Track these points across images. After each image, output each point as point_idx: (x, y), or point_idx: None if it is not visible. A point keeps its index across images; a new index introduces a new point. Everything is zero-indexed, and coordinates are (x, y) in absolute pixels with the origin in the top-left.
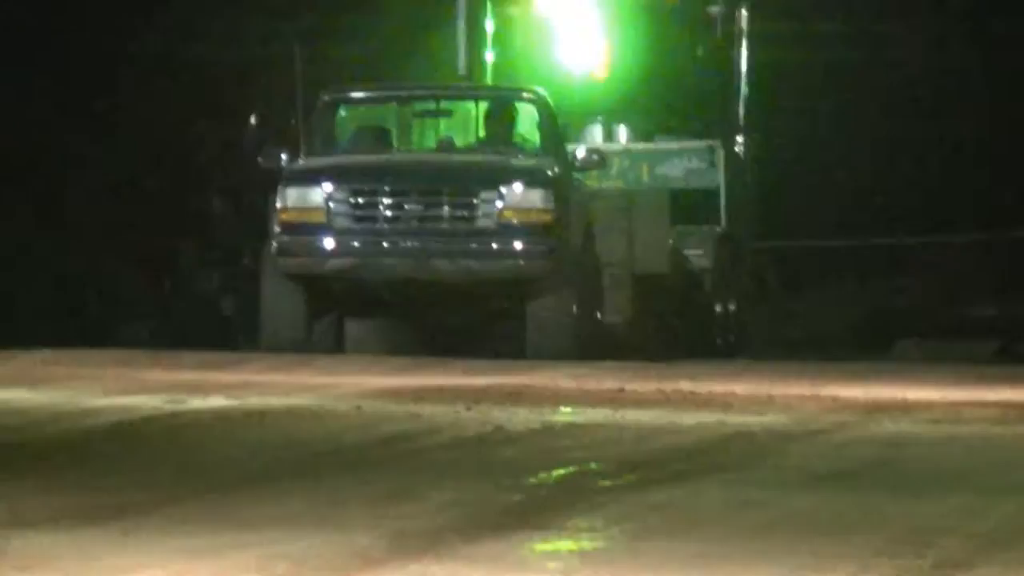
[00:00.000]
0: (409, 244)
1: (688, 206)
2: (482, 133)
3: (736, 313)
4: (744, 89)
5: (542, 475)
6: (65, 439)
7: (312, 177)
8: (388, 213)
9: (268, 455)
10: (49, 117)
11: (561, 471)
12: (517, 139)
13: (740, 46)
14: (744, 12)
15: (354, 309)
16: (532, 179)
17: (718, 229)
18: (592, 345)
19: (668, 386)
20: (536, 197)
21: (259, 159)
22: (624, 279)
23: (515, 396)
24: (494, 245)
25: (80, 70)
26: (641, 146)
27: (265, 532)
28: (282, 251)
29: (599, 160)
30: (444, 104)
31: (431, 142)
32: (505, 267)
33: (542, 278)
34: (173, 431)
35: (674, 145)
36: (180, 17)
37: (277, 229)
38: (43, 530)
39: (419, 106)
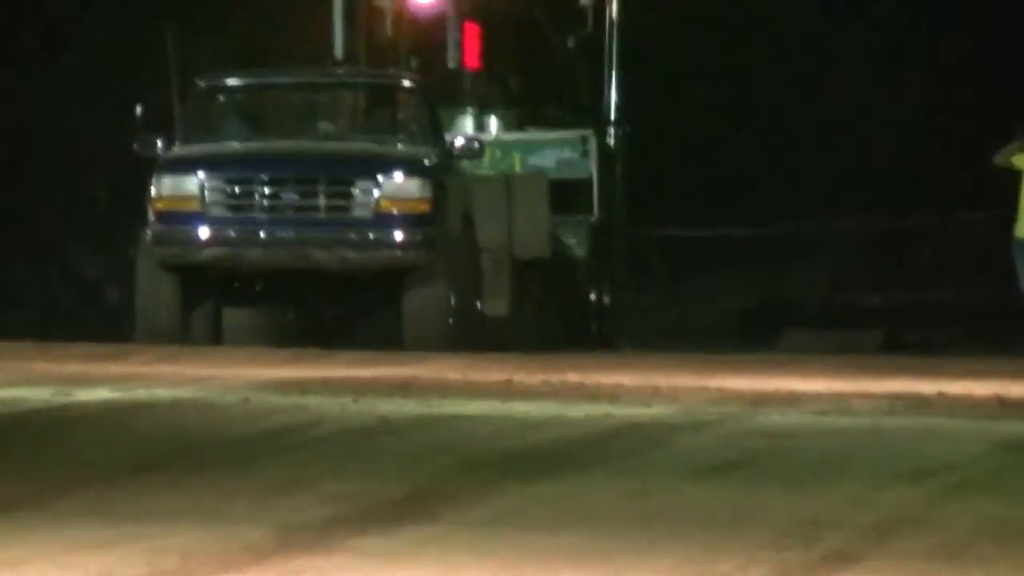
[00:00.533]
0: (285, 233)
1: (561, 196)
2: (360, 120)
3: (611, 303)
4: (615, 79)
5: (429, 467)
6: None
7: (186, 165)
8: (263, 202)
9: (155, 447)
10: None
11: (448, 463)
12: (395, 127)
13: (612, 36)
14: (615, 2)
15: (231, 299)
16: (408, 167)
17: (591, 219)
18: (471, 335)
19: (555, 377)
20: (412, 186)
21: (134, 146)
22: (504, 264)
23: (402, 388)
24: (370, 234)
25: None
26: (513, 136)
27: (153, 525)
28: (157, 240)
29: (478, 148)
30: (321, 91)
31: (309, 130)
32: (381, 257)
33: (418, 268)
34: (61, 423)
35: (547, 135)
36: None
37: (152, 218)
38: None
39: (296, 93)
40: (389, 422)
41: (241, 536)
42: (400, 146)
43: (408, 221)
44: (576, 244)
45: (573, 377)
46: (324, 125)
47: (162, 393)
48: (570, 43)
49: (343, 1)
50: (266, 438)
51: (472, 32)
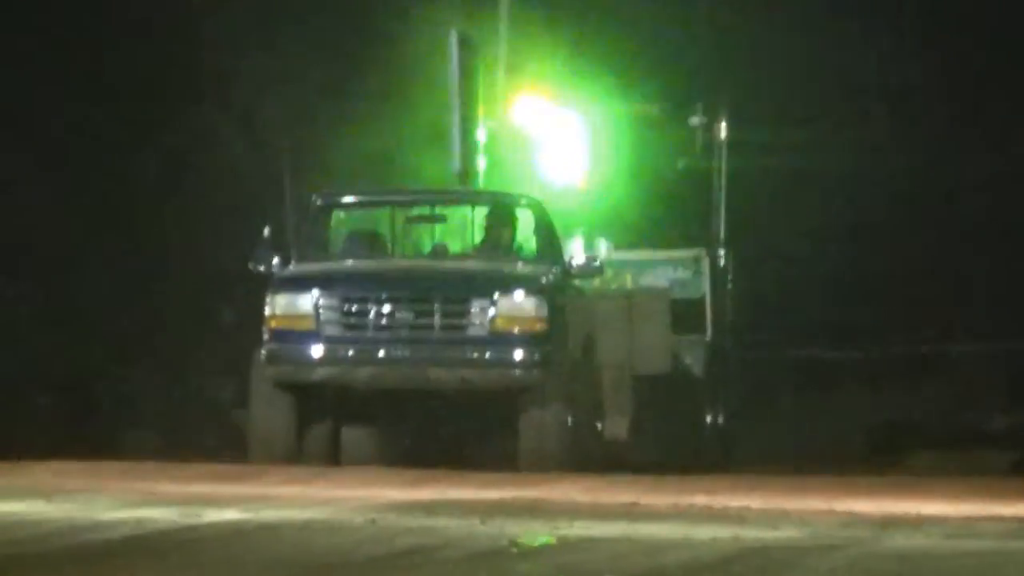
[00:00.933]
0: (400, 352)
1: (674, 316)
2: (477, 239)
3: (726, 423)
4: (723, 199)
5: None
6: (81, 553)
7: (301, 283)
8: (379, 320)
9: (284, 570)
10: (52, 207)
11: None
12: (513, 245)
13: (720, 157)
14: (724, 123)
15: (346, 418)
16: (525, 287)
17: (707, 338)
18: (590, 456)
19: (683, 500)
20: (529, 305)
21: (250, 264)
22: (625, 381)
23: (530, 509)
24: (487, 354)
25: (93, 181)
26: (626, 255)
27: None
28: (271, 358)
29: (597, 267)
30: (439, 209)
31: (426, 247)
32: (497, 376)
33: (535, 387)
34: (189, 545)
35: (660, 255)
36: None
37: (266, 336)
38: None
39: (413, 211)
40: (517, 543)
41: None
42: (517, 264)
43: (524, 340)
44: (692, 364)
45: (700, 499)
46: (440, 243)
47: (290, 514)
48: (679, 164)
49: (460, 123)
50: (393, 559)
51: (581, 153)
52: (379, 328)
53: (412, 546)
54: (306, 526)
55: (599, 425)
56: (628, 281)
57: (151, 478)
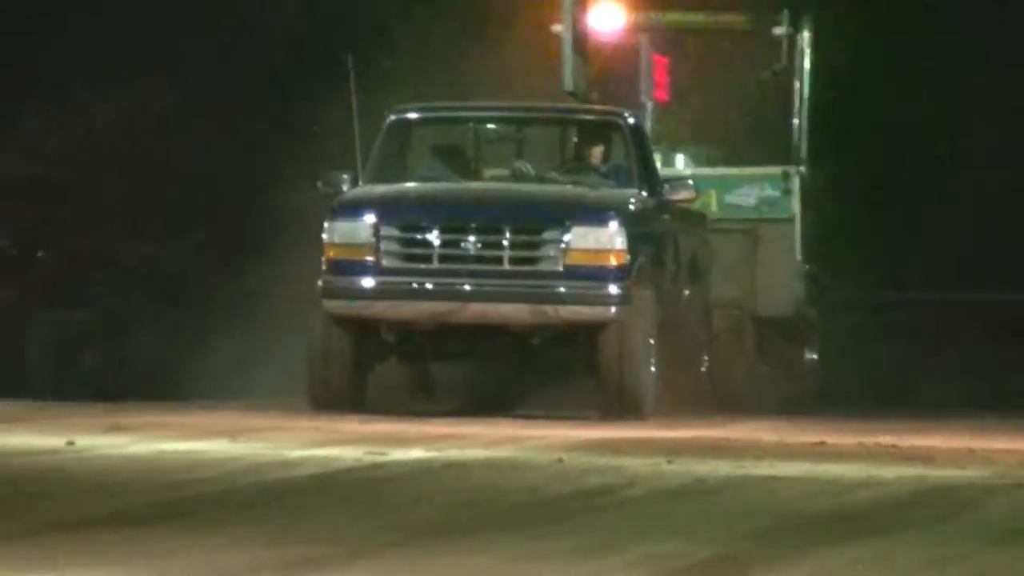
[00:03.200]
0: (464, 286)
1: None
2: (565, 159)
3: (818, 363)
4: (806, 117)
5: (742, 529)
6: (265, 491)
7: (359, 208)
8: (442, 251)
9: (468, 508)
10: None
11: (761, 524)
12: (603, 167)
13: (801, 71)
14: (806, 34)
15: (408, 357)
16: (604, 214)
17: (806, 266)
18: (685, 400)
19: (868, 439)
20: (605, 236)
21: (319, 184)
22: (744, 321)
23: (715, 449)
24: (559, 288)
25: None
26: (709, 171)
27: None
28: (327, 291)
29: (690, 193)
30: (524, 127)
31: (506, 170)
32: (571, 313)
33: (613, 325)
34: (374, 484)
35: (746, 171)
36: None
37: (323, 267)
38: None
39: (495, 128)
40: (703, 483)
41: None
42: (602, 190)
43: (601, 273)
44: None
45: (886, 439)
46: (521, 165)
47: (476, 453)
48: (763, 76)
49: (572, 29)
50: (579, 498)
51: (660, 65)
52: (443, 259)
53: (600, 485)
54: (492, 464)
55: (703, 368)
56: (713, 201)
57: (338, 418)
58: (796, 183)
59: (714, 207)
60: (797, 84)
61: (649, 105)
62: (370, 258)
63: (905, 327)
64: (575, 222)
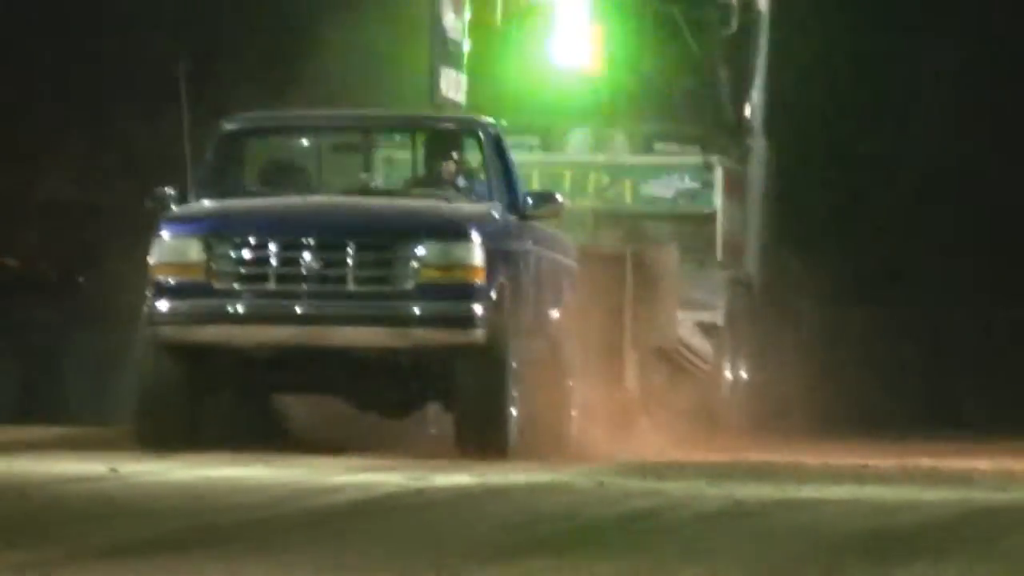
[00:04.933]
0: (305, 308)
1: (681, 236)
2: (415, 173)
3: (748, 384)
4: (762, 84)
5: (783, 550)
6: (310, 516)
7: (190, 224)
8: (282, 269)
9: (510, 533)
10: None
11: (803, 546)
12: (457, 180)
13: (758, 36)
14: None
15: (246, 388)
16: (460, 227)
17: (721, 268)
18: (550, 441)
19: (910, 462)
20: (462, 251)
21: (145, 201)
22: (618, 352)
23: (757, 472)
24: (411, 310)
25: None
26: (626, 160)
27: None
28: (154, 316)
29: (555, 208)
30: (371, 136)
31: (350, 183)
32: (421, 337)
33: (468, 351)
34: (417, 508)
35: (664, 159)
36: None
37: (150, 289)
38: None
39: (338, 138)
40: (744, 505)
41: None
42: (455, 202)
43: (456, 293)
44: (704, 301)
45: (927, 462)
46: (368, 177)
47: (517, 478)
48: (710, 45)
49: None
50: (623, 521)
51: (595, 34)
52: (281, 280)
53: (641, 508)
54: (533, 489)
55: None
56: (627, 192)
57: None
58: (719, 174)
59: (628, 198)
60: (752, 53)
61: (575, 76)
62: (200, 279)
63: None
64: (429, 236)
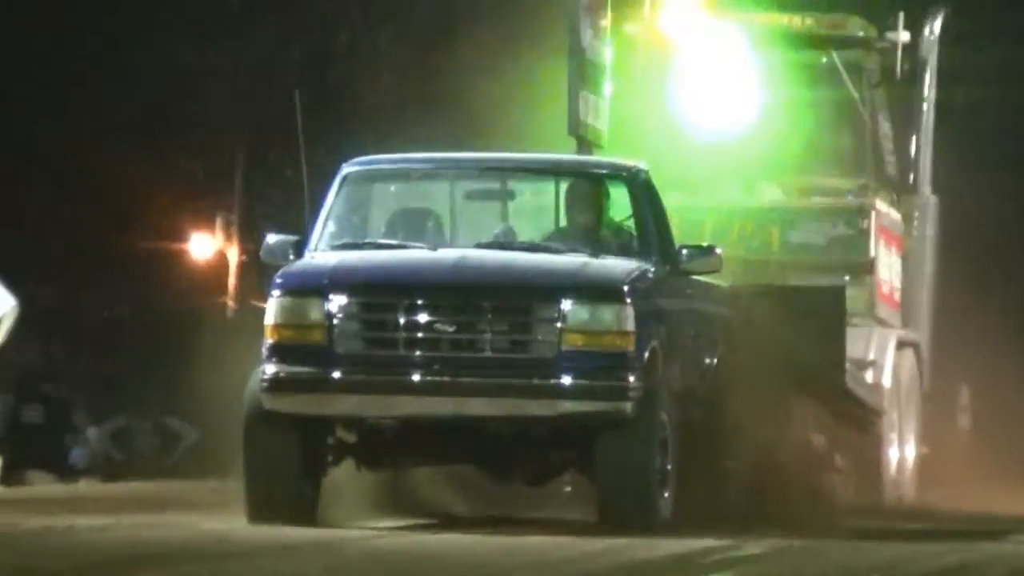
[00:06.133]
0: (437, 377)
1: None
2: (557, 223)
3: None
4: (929, 137)
5: None
6: None
7: (309, 281)
8: (409, 334)
9: None
10: None
11: None
12: (605, 232)
13: (923, 82)
14: (933, 33)
15: (370, 461)
16: (607, 287)
17: (890, 331)
18: (707, 504)
19: None
20: (609, 315)
21: (261, 254)
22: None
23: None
24: (552, 380)
25: None
26: (771, 205)
27: None
28: (271, 384)
29: (714, 262)
30: (510, 181)
31: (489, 233)
32: (566, 409)
33: (615, 424)
34: None
35: (814, 203)
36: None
37: (265, 352)
38: None
39: (471, 184)
40: None
41: None
42: (608, 259)
43: (602, 362)
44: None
45: None
46: (505, 228)
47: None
48: (869, 94)
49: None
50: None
51: (743, 86)
52: (410, 345)
53: (956, 563)
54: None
55: (729, 465)
56: (775, 240)
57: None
58: (874, 219)
59: (775, 246)
60: (920, 96)
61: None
62: (322, 342)
63: None
64: (573, 297)
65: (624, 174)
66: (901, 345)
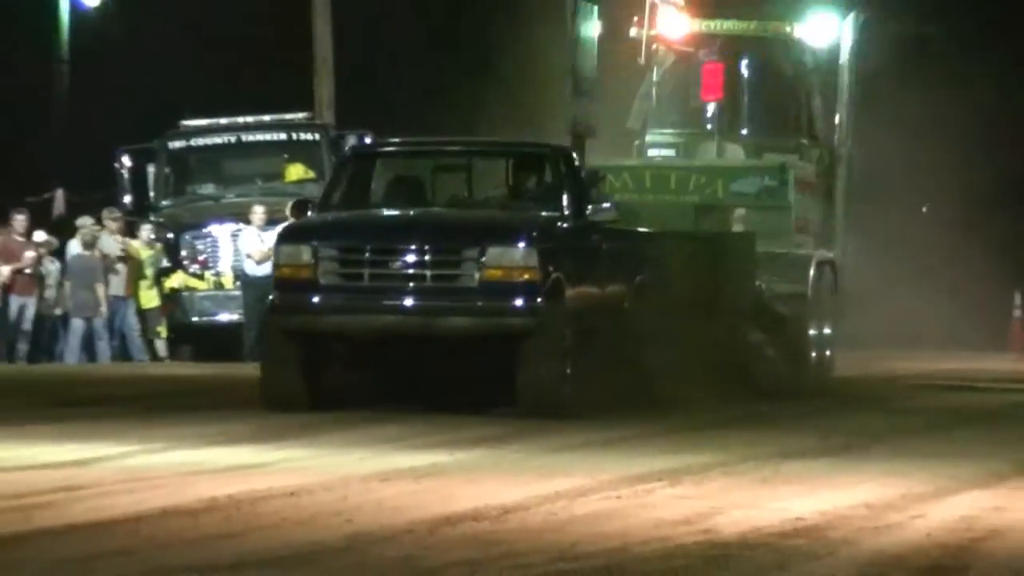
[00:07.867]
0: (393, 301)
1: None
2: (507, 188)
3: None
4: (846, 103)
5: None
6: None
7: (301, 234)
8: (373, 270)
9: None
10: None
11: None
12: (533, 194)
13: (844, 67)
14: (849, 22)
15: (352, 364)
16: (513, 236)
17: (799, 250)
18: (597, 399)
19: None
20: (516, 254)
21: (287, 212)
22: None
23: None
24: (476, 303)
25: None
26: (712, 163)
27: (949, 460)
28: (277, 308)
29: (610, 211)
30: (471, 159)
31: (446, 198)
32: (486, 324)
33: (527, 335)
34: None
35: (749, 163)
36: None
37: (275, 286)
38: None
39: (444, 161)
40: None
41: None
42: (527, 213)
43: (515, 289)
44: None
45: None
46: (458, 193)
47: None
48: (804, 77)
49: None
50: None
51: (718, 70)
52: (373, 278)
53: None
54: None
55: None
56: (719, 189)
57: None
58: (792, 175)
59: (720, 194)
60: (843, 79)
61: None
62: (312, 278)
63: None
64: (492, 241)
65: (548, 152)
66: (820, 264)
